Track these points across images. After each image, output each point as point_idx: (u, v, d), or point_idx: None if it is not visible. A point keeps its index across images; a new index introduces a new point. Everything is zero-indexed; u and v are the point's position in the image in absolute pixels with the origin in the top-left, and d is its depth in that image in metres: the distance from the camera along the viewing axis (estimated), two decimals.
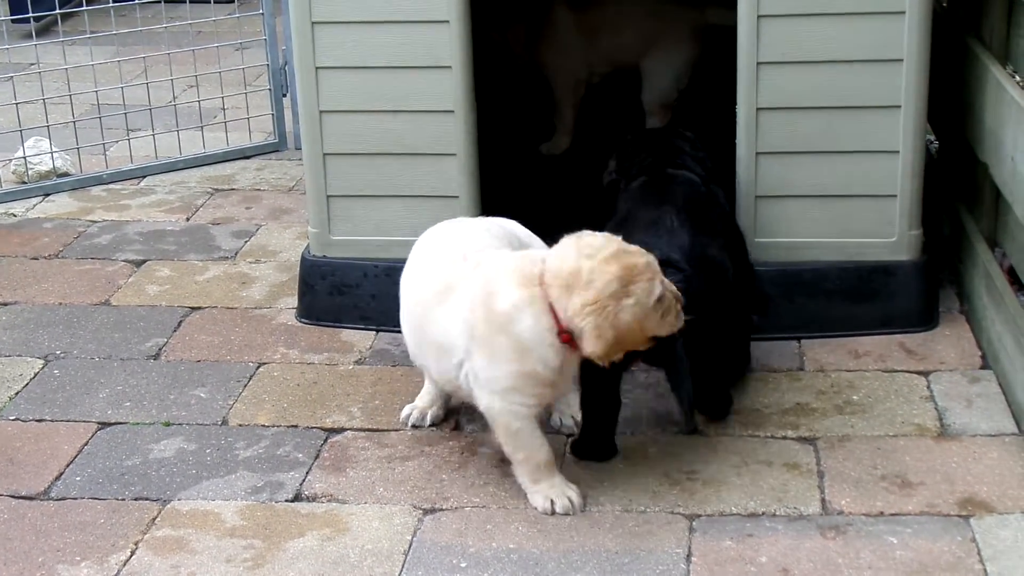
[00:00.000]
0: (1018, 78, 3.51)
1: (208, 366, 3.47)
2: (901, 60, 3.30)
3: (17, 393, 3.36)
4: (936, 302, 3.54)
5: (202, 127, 4.97)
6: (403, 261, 3.56)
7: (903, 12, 3.26)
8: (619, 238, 2.77)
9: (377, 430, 3.16)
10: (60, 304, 3.84)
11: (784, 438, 3.06)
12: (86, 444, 3.13)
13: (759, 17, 3.30)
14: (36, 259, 4.14)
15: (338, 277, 3.62)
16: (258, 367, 3.46)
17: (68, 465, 3.05)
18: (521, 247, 2.97)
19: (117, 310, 3.79)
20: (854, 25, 3.29)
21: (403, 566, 2.68)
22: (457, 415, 3.20)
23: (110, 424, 3.22)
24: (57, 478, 3.01)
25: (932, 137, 4.35)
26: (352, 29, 3.43)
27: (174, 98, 5.29)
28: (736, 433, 3.09)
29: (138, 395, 3.35)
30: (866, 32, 3.29)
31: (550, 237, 3.74)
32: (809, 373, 3.33)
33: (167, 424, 3.22)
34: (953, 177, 3.80)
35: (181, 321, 3.71)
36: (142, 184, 4.73)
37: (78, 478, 3.00)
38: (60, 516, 2.87)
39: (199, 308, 3.79)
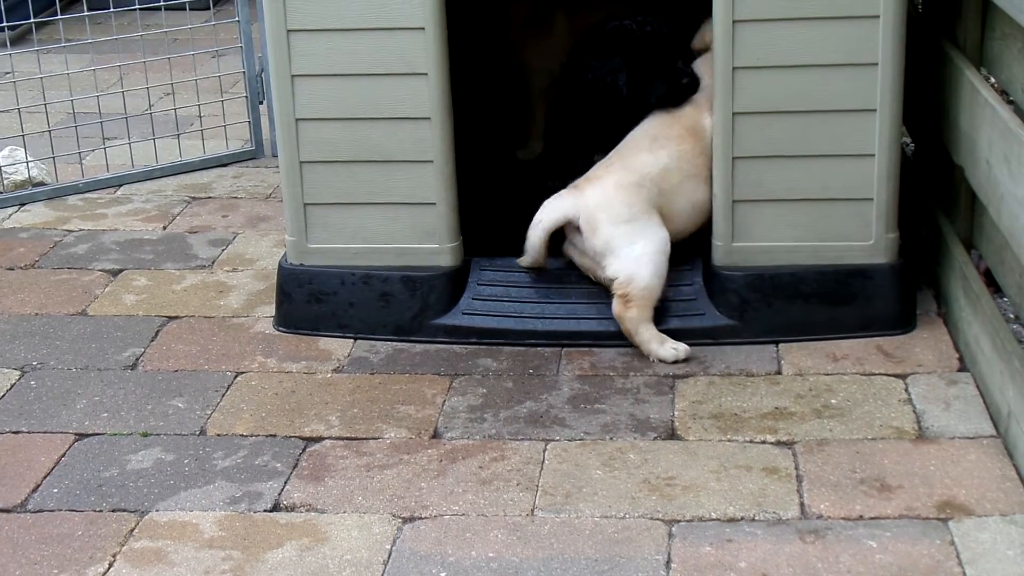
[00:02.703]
0: (992, 81, 3.53)
1: (186, 376, 3.46)
2: (876, 64, 3.31)
3: None
4: (913, 305, 3.55)
5: (178, 135, 4.96)
6: (380, 269, 3.58)
7: (878, 16, 3.27)
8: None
9: (355, 439, 3.15)
10: (36, 314, 3.82)
11: (763, 442, 3.06)
12: (63, 456, 3.12)
13: (734, 22, 3.30)
14: (12, 269, 4.12)
15: (316, 285, 3.62)
16: (236, 376, 3.45)
17: (45, 477, 3.04)
18: None
19: (94, 320, 3.78)
20: (829, 29, 3.30)
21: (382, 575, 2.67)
22: (436, 422, 3.20)
23: (87, 435, 3.20)
24: (34, 490, 2.99)
25: (908, 140, 4.36)
26: (327, 37, 3.42)
27: (150, 106, 5.27)
28: (715, 438, 3.09)
29: (115, 405, 3.33)
30: (841, 36, 3.30)
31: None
32: (787, 377, 3.34)
33: (145, 434, 3.20)
34: (929, 180, 3.81)
35: (158, 331, 3.70)
36: (119, 193, 4.72)
37: (55, 490, 2.99)
38: (37, 529, 2.85)
39: (176, 317, 3.78)
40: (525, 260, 3.60)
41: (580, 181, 3.61)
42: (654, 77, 3.65)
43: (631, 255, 3.45)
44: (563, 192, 3.60)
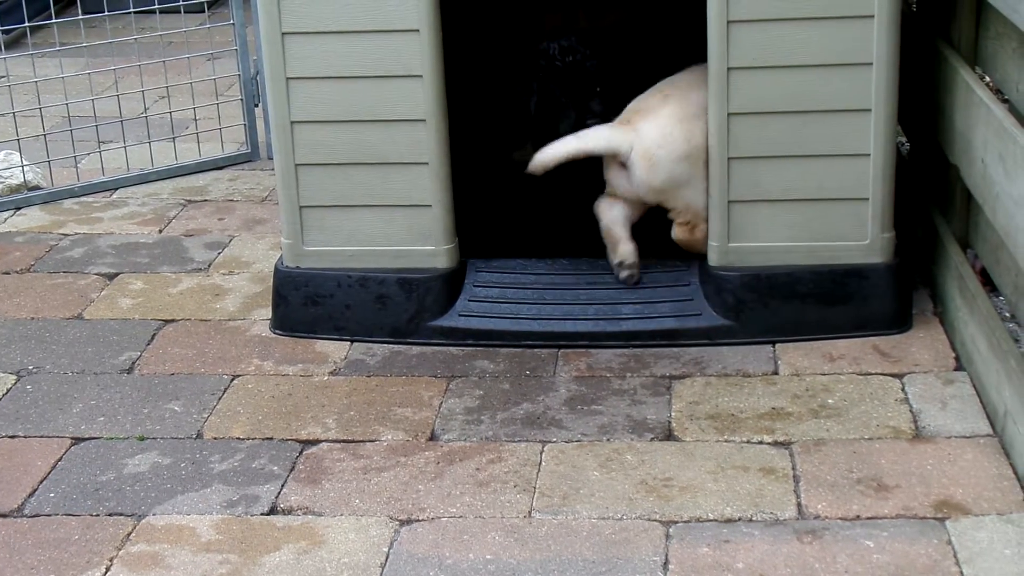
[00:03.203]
0: (987, 80, 3.53)
1: (182, 379, 3.46)
2: (871, 64, 3.31)
3: None
4: (909, 304, 3.55)
5: (174, 138, 4.96)
6: (377, 271, 3.58)
7: (872, 16, 3.27)
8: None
9: (352, 441, 3.15)
10: (32, 319, 3.81)
11: (760, 443, 3.06)
12: (60, 460, 3.12)
13: (729, 22, 3.30)
14: (8, 273, 4.11)
15: (312, 288, 3.61)
16: (232, 379, 3.44)
17: (42, 481, 3.03)
18: None
19: (90, 324, 3.77)
20: (824, 29, 3.30)
21: None
22: (433, 425, 3.20)
23: (84, 439, 3.20)
24: (31, 495, 2.99)
25: (903, 139, 4.37)
26: (322, 39, 3.42)
27: (145, 109, 5.27)
28: (712, 439, 3.09)
29: (112, 409, 3.33)
30: (836, 36, 3.30)
31: (526, 243, 3.75)
32: (784, 377, 3.34)
33: (141, 438, 3.20)
34: (925, 179, 3.81)
35: (154, 334, 3.70)
36: (114, 196, 4.71)
37: (52, 494, 2.98)
38: (34, 533, 2.85)
39: (172, 321, 3.77)
40: (537, 161, 3.47)
41: (629, 115, 3.55)
42: (564, 109, 3.67)
43: (697, 189, 3.47)
44: (612, 124, 3.52)
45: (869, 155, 3.38)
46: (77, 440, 3.20)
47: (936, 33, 3.62)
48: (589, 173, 4.31)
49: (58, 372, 3.52)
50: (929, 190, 3.76)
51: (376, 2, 3.38)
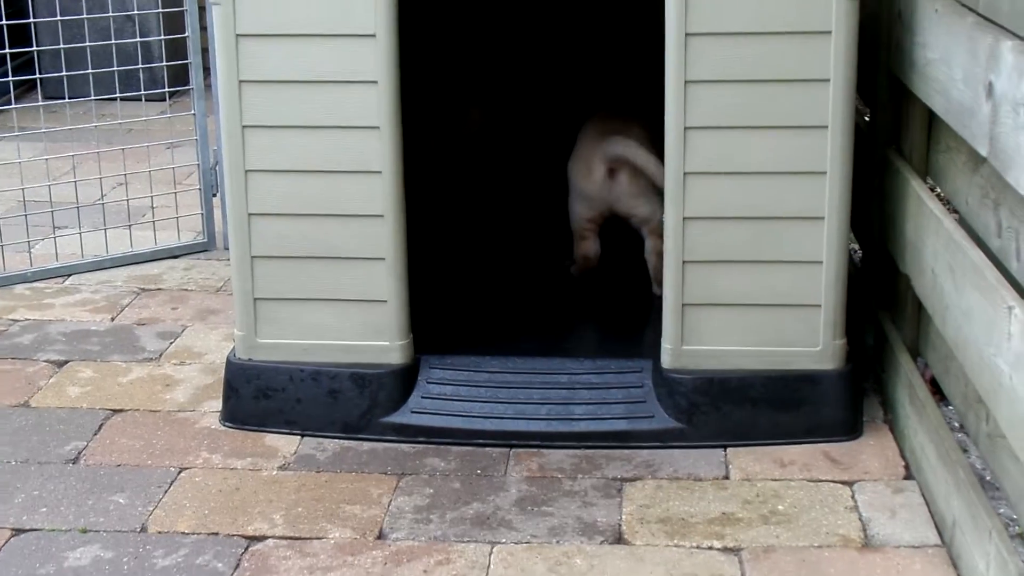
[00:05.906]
0: (938, 192, 3.59)
1: (128, 471, 3.41)
2: (824, 173, 3.36)
3: None
4: (860, 411, 3.57)
5: (130, 226, 4.94)
6: (330, 365, 3.56)
7: (826, 127, 3.33)
8: None
9: (299, 538, 3.11)
10: None
11: (710, 548, 3.05)
12: None
13: (686, 129, 3.35)
14: None
15: (263, 380, 3.59)
16: (180, 472, 3.40)
17: None
18: None
19: (36, 412, 3.72)
20: (779, 139, 3.35)
21: None
22: (382, 523, 3.17)
23: (24, 531, 3.14)
24: None
25: (856, 247, 4.42)
26: (282, 133, 3.44)
27: (102, 196, 5.26)
28: (662, 543, 3.07)
29: (55, 500, 3.27)
30: (790, 146, 3.35)
31: (481, 339, 3.75)
32: (735, 482, 3.34)
33: (84, 531, 3.15)
34: (876, 287, 3.85)
35: (102, 424, 3.65)
36: (67, 283, 4.68)
37: None
38: None
39: (121, 411, 3.73)
40: None
41: None
42: None
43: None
44: None
45: (822, 262, 3.42)
46: (17, 531, 3.14)
47: (888, 144, 3.68)
48: (547, 273, 4.33)
49: (1, 461, 3.46)
50: (880, 298, 3.80)
51: (337, 99, 3.40)
